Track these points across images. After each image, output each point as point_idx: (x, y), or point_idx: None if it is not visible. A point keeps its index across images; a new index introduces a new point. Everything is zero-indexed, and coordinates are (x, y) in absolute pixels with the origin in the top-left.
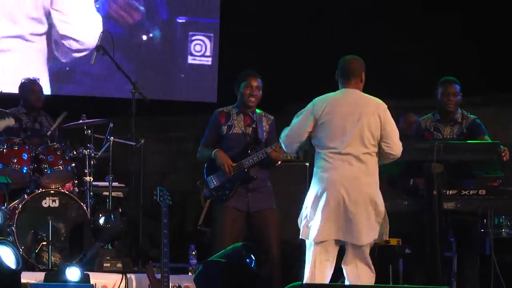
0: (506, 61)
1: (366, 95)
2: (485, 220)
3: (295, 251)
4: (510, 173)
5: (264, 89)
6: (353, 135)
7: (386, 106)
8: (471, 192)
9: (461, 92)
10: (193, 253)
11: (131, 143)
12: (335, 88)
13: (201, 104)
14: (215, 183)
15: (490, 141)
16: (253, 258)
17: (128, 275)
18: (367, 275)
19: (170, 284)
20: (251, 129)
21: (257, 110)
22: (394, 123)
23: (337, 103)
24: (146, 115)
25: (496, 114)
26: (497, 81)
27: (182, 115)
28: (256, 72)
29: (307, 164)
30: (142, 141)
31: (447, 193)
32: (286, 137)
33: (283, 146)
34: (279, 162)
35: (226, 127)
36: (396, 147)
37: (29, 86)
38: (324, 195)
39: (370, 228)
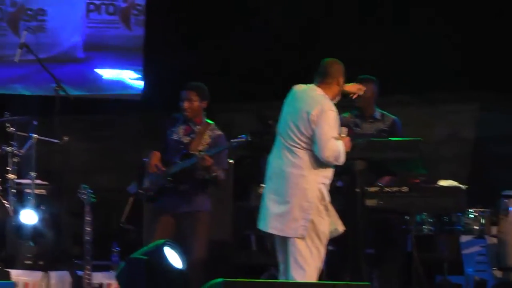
0: (432, 60)
1: (321, 95)
2: (407, 217)
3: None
4: (432, 170)
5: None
6: (286, 126)
7: (329, 110)
8: (393, 190)
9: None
10: (116, 250)
11: (55, 140)
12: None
13: (127, 103)
14: (146, 183)
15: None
16: (176, 255)
17: (50, 273)
18: (295, 271)
19: (93, 282)
20: (189, 139)
21: (207, 121)
22: (330, 128)
23: (295, 96)
24: (72, 113)
25: (420, 113)
26: (422, 80)
27: (109, 113)
28: (193, 85)
29: (232, 161)
30: (66, 139)
31: (369, 190)
32: None
33: None
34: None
35: (170, 132)
36: (321, 151)
37: None
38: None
39: (293, 221)
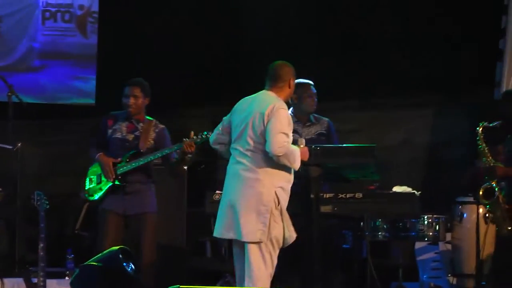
0: (384, 66)
1: (274, 97)
2: (361, 223)
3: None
4: (386, 176)
5: (159, 94)
6: (241, 132)
7: (280, 108)
8: (347, 196)
9: None
10: (70, 257)
11: (8, 146)
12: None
13: (81, 108)
14: (92, 184)
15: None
16: (130, 262)
17: (5, 280)
18: (249, 277)
19: None
20: (133, 136)
21: (148, 118)
22: (281, 124)
23: (245, 103)
24: (25, 118)
25: (373, 118)
26: (375, 86)
27: (62, 118)
28: (136, 80)
29: (186, 167)
30: (19, 144)
31: (324, 196)
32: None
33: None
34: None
35: (111, 130)
36: (270, 145)
37: None
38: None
39: (251, 226)
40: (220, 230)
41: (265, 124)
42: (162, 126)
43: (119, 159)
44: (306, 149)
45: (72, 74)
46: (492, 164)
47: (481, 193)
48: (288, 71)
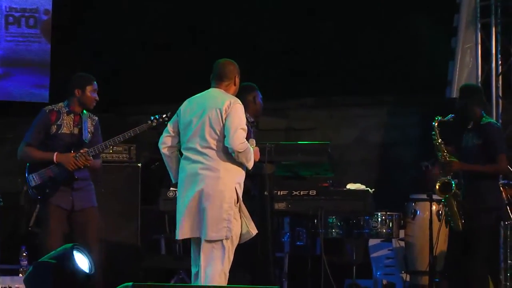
0: (338, 64)
1: (225, 94)
2: (315, 221)
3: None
4: (340, 174)
5: (102, 90)
6: (195, 130)
7: (236, 103)
8: (301, 193)
9: None
10: (24, 254)
11: None
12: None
13: (34, 104)
14: (36, 181)
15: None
16: (85, 258)
17: None
18: (204, 274)
19: (1, 286)
20: (78, 129)
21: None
22: (239, 119)
23: (195, 102)
24: None
25: (328, 117)
26: (328, 84)
27: (14, 115)
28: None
29: (139, 164)
30: None
31: (278, 193)
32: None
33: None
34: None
35: (55, 126)
36: (231, 141)
37: None
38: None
39: (216, 224)
40: (184, 231)
41: (223, 119)
42: (96, 117)
43: (73, 152)
44: (257, 149)
45: (37, 82)
46: (447, 159)
47: (437, 187)
48: (233, 69)
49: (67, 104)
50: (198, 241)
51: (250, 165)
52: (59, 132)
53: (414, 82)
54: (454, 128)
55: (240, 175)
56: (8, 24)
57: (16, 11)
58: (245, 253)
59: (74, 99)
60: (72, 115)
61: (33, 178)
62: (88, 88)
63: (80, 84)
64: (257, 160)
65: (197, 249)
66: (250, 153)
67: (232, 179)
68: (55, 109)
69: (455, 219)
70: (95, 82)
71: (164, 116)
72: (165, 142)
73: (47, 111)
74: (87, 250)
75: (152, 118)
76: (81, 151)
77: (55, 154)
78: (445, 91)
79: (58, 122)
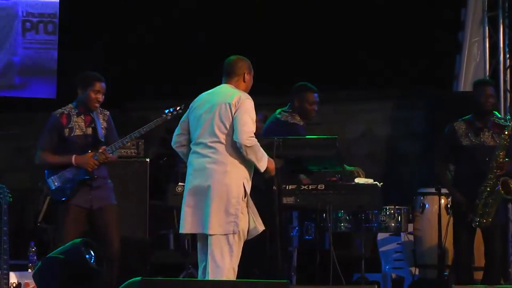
0: (341, 59)
1: (235, 89)
2: (324, 215)
3: (138, 249)
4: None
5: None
6: (205, 125)
7: (245, 98)
8: (310, 187)
9: None
10: (33, 249)
11: None
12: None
13: (40, 101)
14: (56, 184)
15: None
16: (93, 254)
17: None
18: (213, 269)
19: (10, 281)
20: (91, 129)
21: None
22: (248, 114)
23: (205, 98)
24: None
25: (333, 112)
26: (334, 78)
27: (21, 111)
28: (100, 75)
29: (148, 160)
30: None
31: (287, 188)
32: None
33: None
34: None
35: (68, 129)
36: (239, 135)
37: None
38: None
39: (223, 218)
40: (189, 226)
41: (233, 114)
42: (107, 112)
43: (91, 152)
44: (272, 161)
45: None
46: (501, 160)
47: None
48: (243, 65)
49: (76, 105)
50: (203, 236)
51: (261, 166)
52: (72, 134)
53: (420, 75)
54: None
55: (248, 170)
56: (26, 31)
57: (34, 16)
58: (253, 248)
59: (81, 99)
60: (82, 116)
61: (53, 181)
62: (90, 88)
63: (82, 84)
64: (271, 171)
65: (203, 243)
66: (260, 152)
67: (240, 174)
68: (65, 112)
69: (487, 217)
70: (101, 83)
71: (178, 108)
72: (178, 141)
73: (57, 115)
74: (98, 246)
75: (166, 111)
76: (100, 150)
77: (74, 156)
78: (452, 85)
79: (70, 125)
